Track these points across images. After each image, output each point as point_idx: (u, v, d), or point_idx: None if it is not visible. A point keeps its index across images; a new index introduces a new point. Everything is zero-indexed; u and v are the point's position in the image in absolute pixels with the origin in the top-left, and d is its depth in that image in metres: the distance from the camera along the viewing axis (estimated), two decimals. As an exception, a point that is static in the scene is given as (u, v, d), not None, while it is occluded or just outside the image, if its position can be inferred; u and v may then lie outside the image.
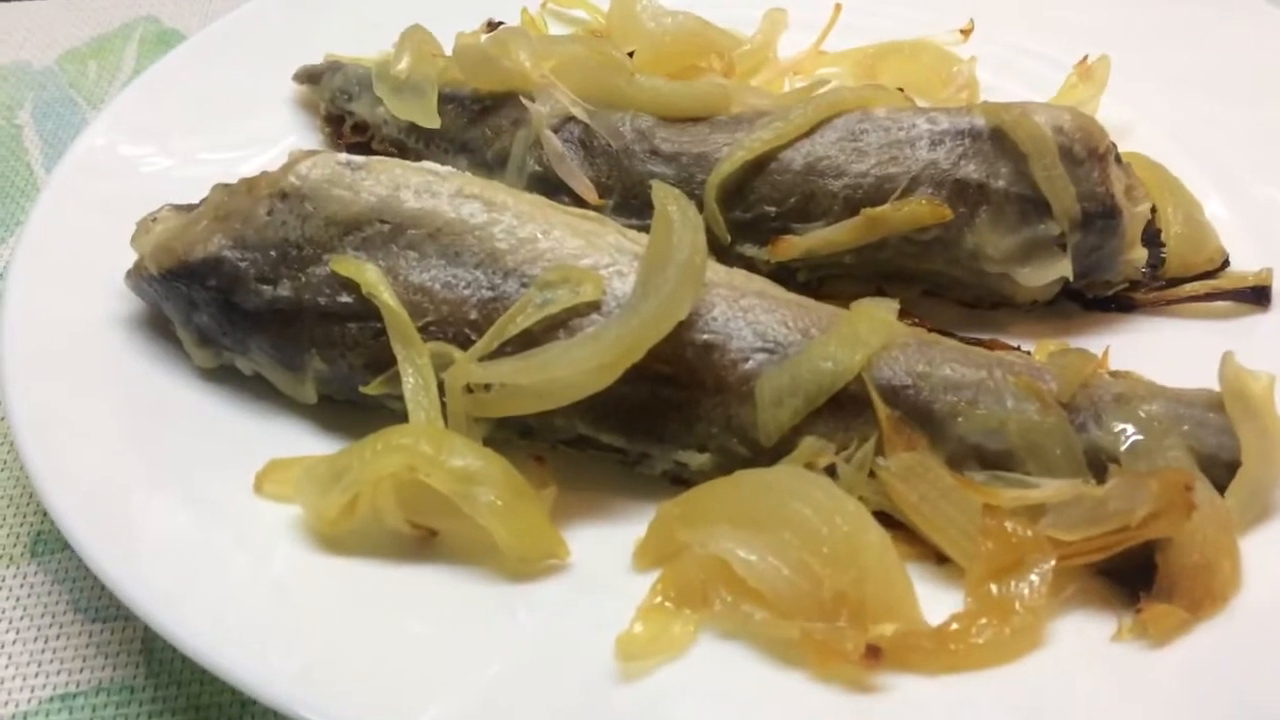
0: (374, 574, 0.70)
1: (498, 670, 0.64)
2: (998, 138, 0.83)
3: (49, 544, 0.77)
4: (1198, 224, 0.88)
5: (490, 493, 0.68)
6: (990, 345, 0.80)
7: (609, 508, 0.75)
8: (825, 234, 0.83)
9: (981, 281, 0.85)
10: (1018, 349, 0.80)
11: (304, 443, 0.77)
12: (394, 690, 0.63)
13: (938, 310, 0.86)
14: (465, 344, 0.74)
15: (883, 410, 0.71)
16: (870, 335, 0.74)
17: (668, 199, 0.74)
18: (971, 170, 0.82)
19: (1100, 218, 0.82)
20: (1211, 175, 0.94)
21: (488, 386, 0.72)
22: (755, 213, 0.84)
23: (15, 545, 0.77)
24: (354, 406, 0.78)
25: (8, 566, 0.76)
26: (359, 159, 0.79)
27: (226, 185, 0.81)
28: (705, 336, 0.73)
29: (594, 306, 0.73)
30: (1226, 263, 0.88)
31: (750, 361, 0.73)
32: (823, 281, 0.86)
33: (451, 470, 0.68)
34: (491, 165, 0.91)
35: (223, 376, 0.81)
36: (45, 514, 0.78)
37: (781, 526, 0.66)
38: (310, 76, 1.04)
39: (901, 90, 1.02)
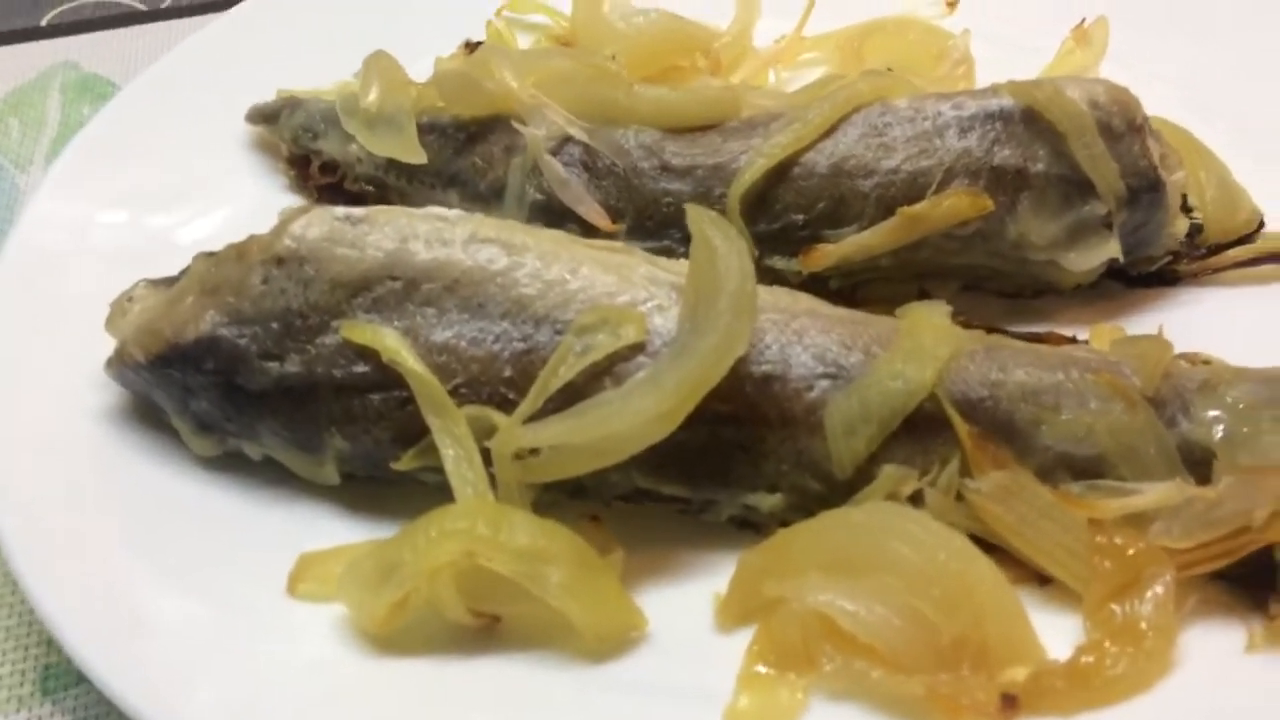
0: (434, 670, 0.64)
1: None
2: (1030, 119, 0.78)
3: (61, 679, 0.69)
4: (1230, 187, 0.84)
5: (560, 571, 0.62)
6: (1046, 339, 0.75)
7: (676, 563, 0.69)
8: (861, 239, 0.77)
9: (1024, 270, 0.80)
10: (1073, 339, 0.76)
11: (330, 529, 0.71)
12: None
13: (978, 304, 0.82)
14: (502, 404, 0.67)
15: (963, 427, 0.66)
16: (936, 346, 0.69)
17: (705, 222, 0.68)
18: (1007, 155, 0.78)
19: (1145, 192, 0.78)
20: (1230, 134, 0.90)
21: (535, 450, 0.65)
22: (782, 222, 0.79)
23: (23, 685, 0.69)
24: (380, 483, 0.71)
25: (19, 710, 0.67)
26: (358, 211, 0.72)
27: (210, 254, 0.73)
28: (763, 368, 0.68)
29: (638, 348, 0.67)
30: (1262, 224, 0.84)
31: (814, 390, 0.68)
32: (856, 288, 0.81)
33: (515, 551, 0.61)
34: (487, 197, 0.85)
35: (228, 464, 0.73)
36: (52, 645, 0.70)
37: (880, 570, 0.61)
38: (265, 116, 0.96)
39: (890, 71, 0.98)
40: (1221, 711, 0.58)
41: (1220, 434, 0.66)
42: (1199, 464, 0.66)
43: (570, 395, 0.66)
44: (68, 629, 0.62)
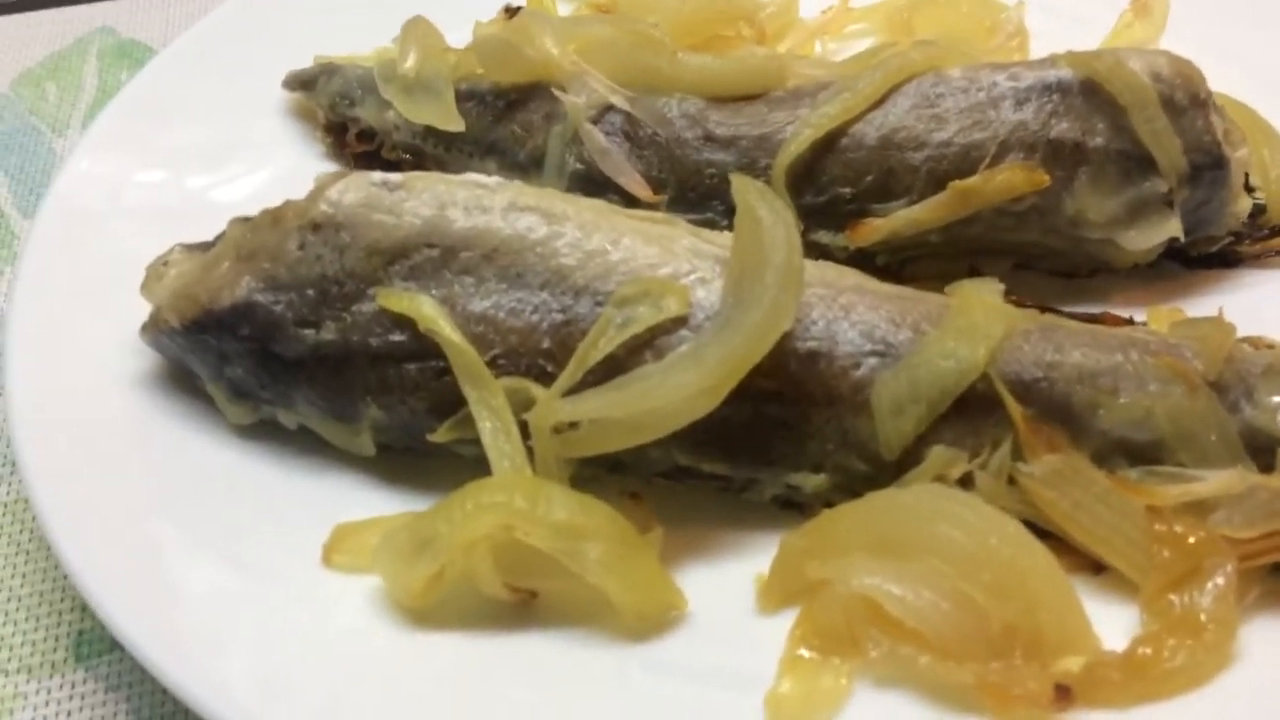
0: (469, 645, 0.62)
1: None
2: (1090, 91, 0.75)
3: (95, 645, 0.68)
4: (1294, 165, 0.81)
5: (598, 547, 0.60)
6: (1102, 320, 0.73)
7: (716, 543, 0.67)
8: (910, 213, 0.75)
9: (1079, 249, 0.78)
10: (1130, 321, 0.73)
11: (366, 500, 0.69)
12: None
13: (1031, 283, 0.79)
14: (540, 376, 0.66)
15: (1016, 409, 0.64)
16: (989, 325, 0.66)
17: (751, 193, 0.66)
18: (1065, 129, 0.75)
19: (1208, 169, 0.75)
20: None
21: (574, 424, 0.64)
22: (829, 195, 0.77)
23: (57, 650, 0.68)
24: (416, 454, 0.70)
25: (52, 676, 0.67)
26: (395, 177, 0.70)
27: (246, 219, 0.72)
28: (809, 344, 0.66)
29: (680, 321, 0.66)
30: (1324, 203, 0.81)
31: (862, 367, 0.66)
32: (904, 264, 0.79)
33: (554, 526, 0.60)
34: (526, 166, 0.83)
35: (262, 432, 0.72)
36: (85, 612, 0.69)
37: (928, 554, 0.59)
38: (303, 83, 0.95)
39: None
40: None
41: (1284, 421, 0.64)
42: (1262, 451, 0.64)
43: (610, 368, 0.64)
44: (102, 595, 0.61)
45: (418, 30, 0.90)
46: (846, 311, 0.67)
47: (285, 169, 0.92)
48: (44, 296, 0.77)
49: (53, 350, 0.74)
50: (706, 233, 0.71)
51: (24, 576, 0.73)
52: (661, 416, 0.62)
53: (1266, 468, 0.63)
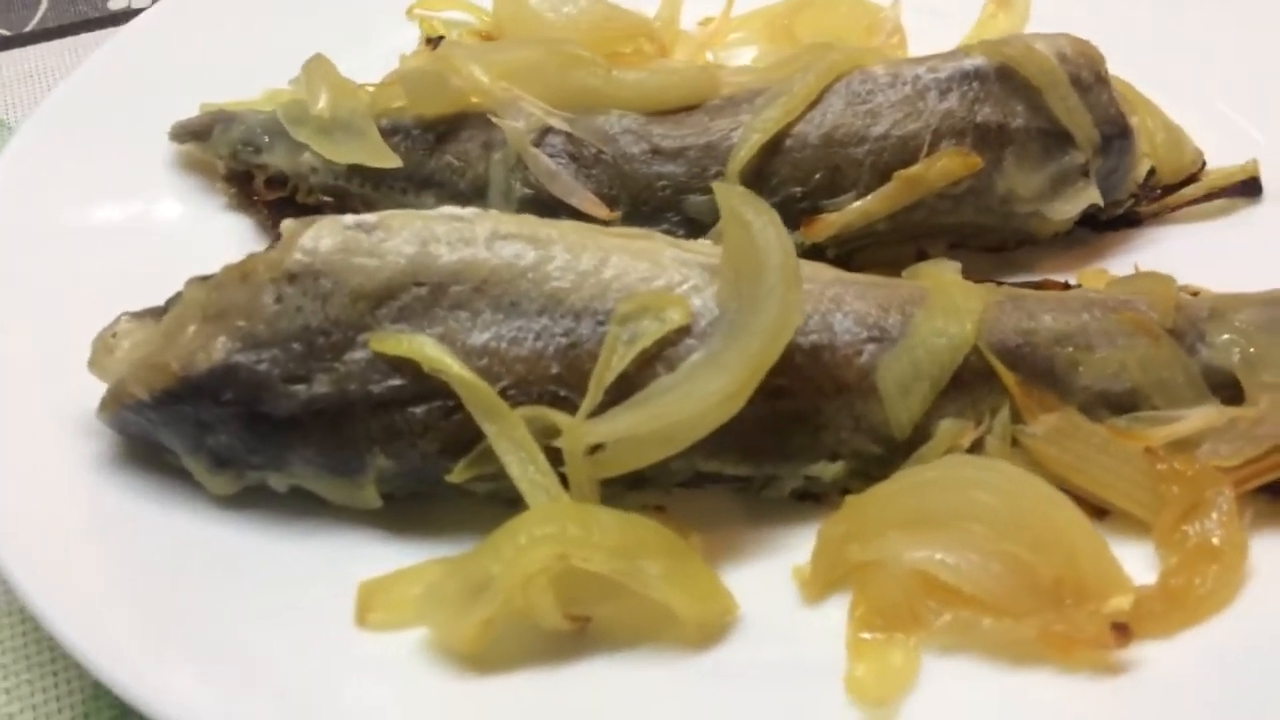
0: (533, 678, 0.61)
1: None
2: (1005, 76, 0.81)
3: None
4: (1174, 130, 0.88)
5: (658, 563, 0.60)
6: (1044, 286, 0.78)
7: (743, 543, 0.68)
8: (863, 205, 0.78)
9: (1008, 224, 0.83)
10: (1067, 285, 0.79)
11: (376, 555, 0.66)
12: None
13: (966, 260, 0.82)
14: (555, 402, 0.65)
15: (1008, 376, 0.68)
16: (968, 301, 0.70)
17: (735, 198, 0.68)
18: (989, 113, 0.80)
19: (1117, 138, 0.82)
20: (1154, 84, 0.95)
21: (600, 445, 0.63)
22: (781, 195, 0.79)
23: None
24: (418, 500, 0.68)
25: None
26: (369, 218, 0.68)
27: (204, 278, 0.68)
28: (810, 338, 0.68)
29: (684, 331, 0.66)
30: (1204, 164, 0.89)
31: (863, 354, 0.68)
32: (851, 254, 0.82)
33: (611, 548, 0.59)
34: (468, 196, 0.82)
35: (247, 500, 0.68)
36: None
37: (965, 521, 0.62)
38: (194, 133, 0.90)
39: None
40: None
41: (1238, 357, 0.70)
42: (1221, 386, 0.69)
43: (625, 386, 0.64)
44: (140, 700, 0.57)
45: (321, 69, 0.87)
46: (837, 304, 0.69)
47: (191, 225, 0.88)
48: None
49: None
50: (685, 242, 0.72)
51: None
52: (690, 426, 0.63)
53: (1229, 400, 0.69)
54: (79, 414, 0.69)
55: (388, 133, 0.83)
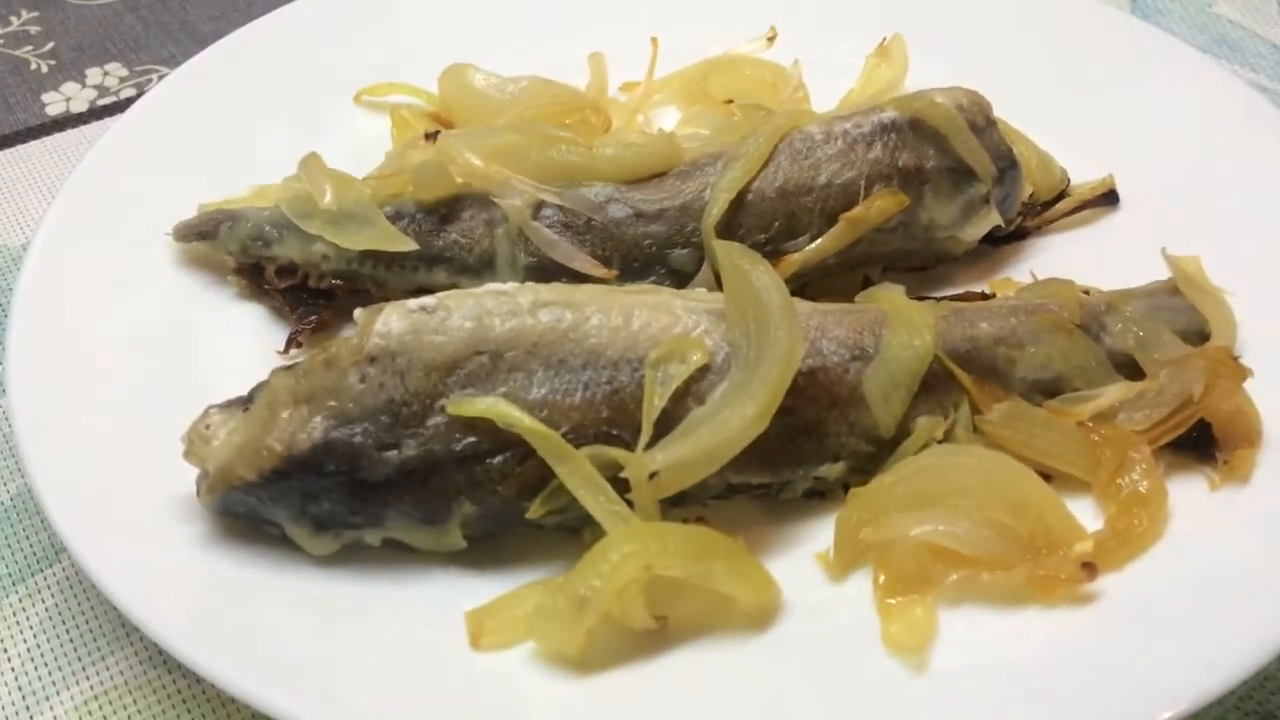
0: (629, 674, 0.72)
1: (802, 704, 0.70)
2: (916, 126, 0.96)
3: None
4: (1042, 156, 1.06)
5: (722, 563, 0.73)
6: (966, 298, 0.94)
7: (769, 539, 0.81)
8: (818, 246, 0.93)
9: (929, 247, 0.99)
10: (984, 294, 0.95)
11: (465, 588, 0.77)
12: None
13: (897, 280, 0.98)
14: (608, 440, 0.77)
15: (964, 376, 0.83)
16: (923, 317, 0.85)
17: (733, 252, 0.81)
18: (907, 158, 0.96)
19: (1009, 169, 0.99)
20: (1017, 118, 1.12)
21: (654, 472, 0.76)
22: (749, 243, 0.91)
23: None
24: (492, 539, 0.79)
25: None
26: (429, 301, 0.79)
27: (288, 368, 0.77)
28: (808, 362, 0.81)
29: (705, 369, 0.79)
30: (1069, 181, 1.07)
31: (850, 371, 0.82)
32: (804, 287, 0.96)
33: (686, 556, 0.72)
34: (478, 269, 0.93)
35: (340, 556, 0.78)
36: None
37: (953, 497, 0.77)
38: (201, 233, 0.98)
39: (731, 101, 1.14)
40: (1216, 533, 0.78)
41: (1133, 341, 0.87)
42: (1123, 366, 0.86)
43: (664, 420, 0.77)
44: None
45: (316, 165, 0.96)
46: (822, 332, 0.83)
47: (208, 316, 0.96)
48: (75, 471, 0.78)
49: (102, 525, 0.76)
50: (686, 292, 0.85)
51: None
52: (728, 446, 0.76)
53: (1130, 377, 0.86)
54: (166, 502, 0.78)
55: (393, 218, 0.93)
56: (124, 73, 1.35)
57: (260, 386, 0.78)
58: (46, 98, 1.30)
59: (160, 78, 1.32)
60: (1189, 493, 0.81)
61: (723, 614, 0.75)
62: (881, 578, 0.76)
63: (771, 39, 1.21)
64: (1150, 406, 0.82)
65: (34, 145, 1.23)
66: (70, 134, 1.24)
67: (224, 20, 1.42)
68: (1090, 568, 0.74)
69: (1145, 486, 0.79)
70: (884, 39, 1.18)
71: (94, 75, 1.34)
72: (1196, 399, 0.81)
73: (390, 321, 0.77)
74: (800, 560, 0.80)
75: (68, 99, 1.30)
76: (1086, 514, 0.80)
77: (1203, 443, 0.82)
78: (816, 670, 0.72)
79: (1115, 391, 0.84)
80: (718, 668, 0.73)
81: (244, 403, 0.78)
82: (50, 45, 1.39)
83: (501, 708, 0.70)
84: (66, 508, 0.76)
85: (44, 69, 1.35)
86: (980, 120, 0.98)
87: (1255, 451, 0.81)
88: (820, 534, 0.81)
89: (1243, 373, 0.81)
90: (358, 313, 0.78)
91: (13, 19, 1.43)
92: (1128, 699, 0.68)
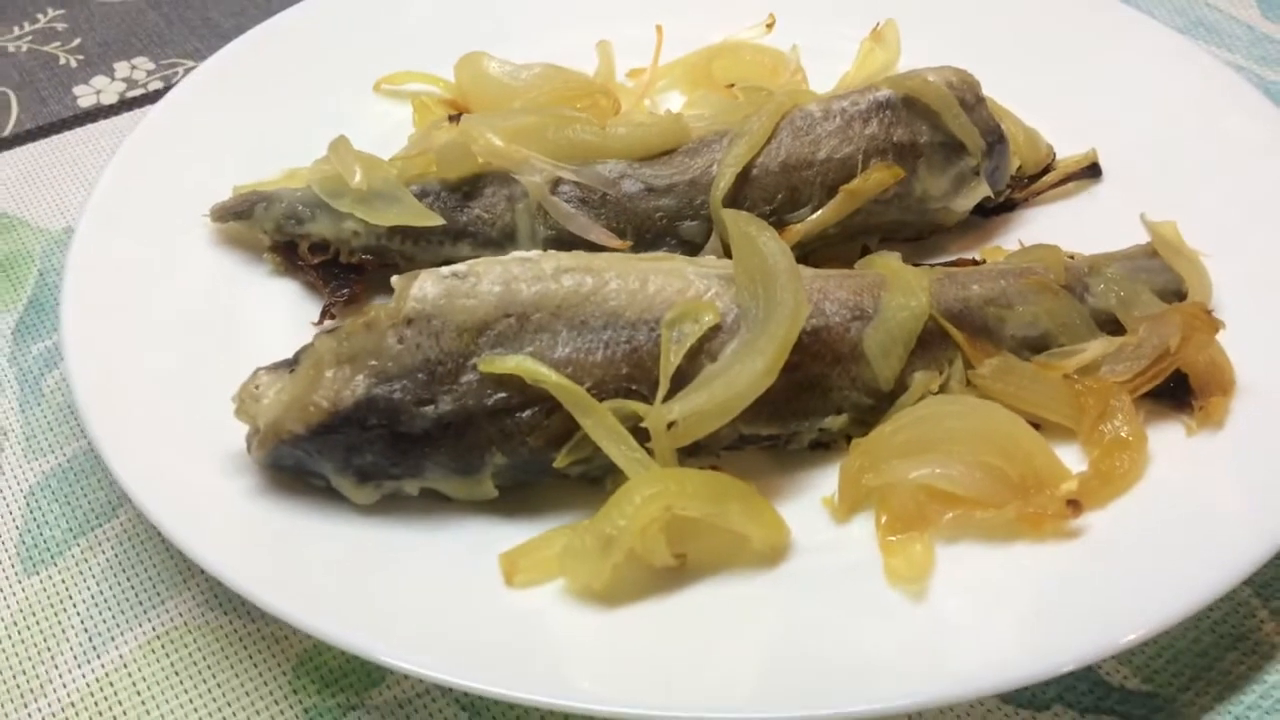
0: (652, 607, 0.78)
1: (811, 632, 0.76)
2: (910, 103, 1.03)
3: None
4: (1029, 131, 1.13)
5: (737, 504, 0.79)
6: (958, 264, 1.00)
7: (778, 486, 0.87)
8: (819, 216, 0.99)
9: (924, 218, 1.05)
10: (974, 260, 1.01)
11: (497, 534, 0.83)
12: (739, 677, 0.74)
13: (894, 250, 1.05)
14: (628, 395, 0.83)
15: (957, 334, 0.89)
16: (917, 281, 0.91)
17: (741, 220, 0.87)
18: (902, 134, 1.02)
19: (997, 143, 1.05)
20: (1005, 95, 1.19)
21: (673, 422, 0.82)
22: (754, 215, 0.98)
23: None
24: (523, 488, 0.85)
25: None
26: (460, 267, 0.85)
27: (331, 331, 0.83)
28: (812, 322, 0.87)
29: (717, 328, 0.85)
30: (1054, 155, 1.14)
31: (851, 330, 0.88)
32: (807, 255, 1.02)
33: (704, 498, 0.78)
34: (500, 242, 0.99)
35: (382, 505, 0.84)
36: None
37: (948, 443, 0.83)
38: (236, 213, 1.04)
39: (733, 85, 1.20)
40: (1191, 474, 0.84)
41: (1114, 300, 0.93)
42: (1105, 323, 0.93)
43: (680, 375, 0.83)
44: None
45: (345, 148, 1.02)
46: (824, 295, 0.90)
47: (245, 290, 1.02)
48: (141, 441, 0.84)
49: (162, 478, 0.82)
50: (697, 259, 0.91)
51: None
52: (740, 398, 0.81)
53: (1112, 333, 0.92)
54: (218, 458, 0.84)
55: (419, 196, 0.99)
56: (150, 66, 1.41)
57: (305, 349, 0.84)
58: (78, 90, 1.36)
59: (186, 71, 1.38)
60: (1167, 438, 0.87)
61: (737, 552, 0.81)
62: (883, 518, 0.82)
63: (770, 26, 1.27)
64: (1130, 359, 0.88)
65: (68, 135, 1.28)
66: (102, 124, 1.30)
67: (244, 16, 1.48)
68: (1075, 505, 0.80)
69: (1126, 432, 0.85)
70: (877, 24, 1.24)
71: (122, 69, 1.40)
72: (1173, 351, 0.87)
73: (425, 287, 0.83)
74: (808, 505, 0.86)
75: (98, 91, 1.36)
76: (1072, 458, 0.86)
77: (1179, 392, 0.88)
78: (825, 601, 0.78)
79: (1098, 346, 0.90)
80: (733, 601, 0.79)
81: (290, 364, 0.84)
82: (77, 41, 1.45)
83: (534, 638, 0.76)
84: (128, 463, 0.82)
85: (73, 63, 1.41)
86: (970, 98, 1.04)
87: (1228, 399, 0.87)
88: (826, 481, 0.87)
89: (1215, 326, 0.87)
90: (395, 279, 0.84)
91: (39, 16, 1.49)
92: (1108, 621, 0.74)
